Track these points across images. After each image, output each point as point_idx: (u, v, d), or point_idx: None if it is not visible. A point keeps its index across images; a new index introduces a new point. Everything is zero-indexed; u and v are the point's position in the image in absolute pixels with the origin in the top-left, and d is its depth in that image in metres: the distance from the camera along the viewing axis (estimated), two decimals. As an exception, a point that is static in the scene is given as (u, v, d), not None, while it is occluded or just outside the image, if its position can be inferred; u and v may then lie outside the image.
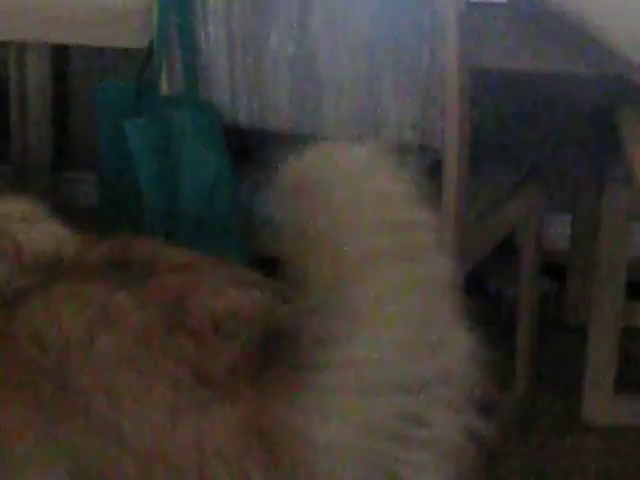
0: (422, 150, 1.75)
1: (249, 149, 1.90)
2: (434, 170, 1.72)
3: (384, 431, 1.00)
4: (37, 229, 1.29)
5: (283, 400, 1.00)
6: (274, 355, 1.03)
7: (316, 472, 0.99)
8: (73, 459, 1.14)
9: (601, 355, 1.99)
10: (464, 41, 1.59)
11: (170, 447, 1.05)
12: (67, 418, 1.12)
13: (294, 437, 0.99)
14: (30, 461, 1.15)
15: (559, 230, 2.42)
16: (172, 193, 1.75)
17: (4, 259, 1.25)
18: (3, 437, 1.16)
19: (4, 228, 1.25)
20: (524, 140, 2.28)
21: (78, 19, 1.92)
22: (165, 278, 1.17)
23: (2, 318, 1.20)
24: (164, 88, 1.78)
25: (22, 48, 2.55)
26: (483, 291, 2.52)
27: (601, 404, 2.01)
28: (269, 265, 1.61)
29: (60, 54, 2.64)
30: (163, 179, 1.75)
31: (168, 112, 1.74)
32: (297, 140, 1.61)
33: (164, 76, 1.78)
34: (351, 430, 0.98)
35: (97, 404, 1.09)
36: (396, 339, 0.99)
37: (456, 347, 1.05)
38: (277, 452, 1.00)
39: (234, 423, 1.02)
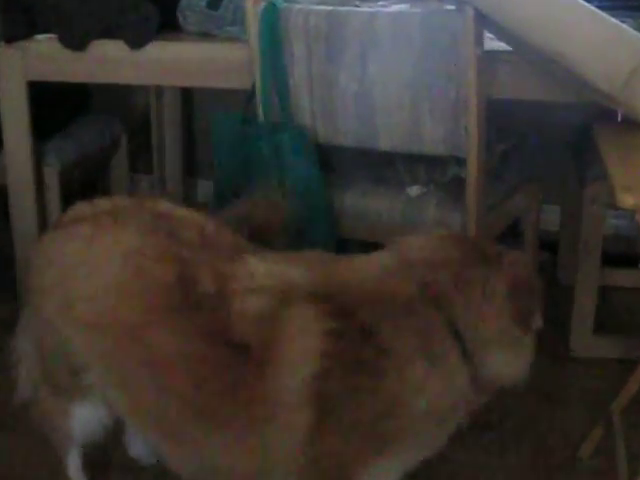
0: (454, 161, 1.95)
1: (329, 158, 2.12)
2: (456, 181, 1.97)
3: None
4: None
5: None
6: None
7: None
8: None
9: (583, 306, 2.23)
10: (480, 79, 1.78)
11: None
12: None
13: None
14: None
15: (552, 216, 2.72)
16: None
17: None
18: None
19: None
20: (525, 150, 2.30)
21: (199, 68, 2.17)
22: None
23: None
24: (260, 117, 2.02)
25: (160, 89, 2.88)
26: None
27: (583, 341, 2.28)
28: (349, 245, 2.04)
29: (186, 93, 3.04)
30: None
31: (274, 136, 1.95)
32: (359, 152, 2.04)
33: (261, 109, 2.00)
34: None
35: None
36: None
37: None
38: None
39: None
